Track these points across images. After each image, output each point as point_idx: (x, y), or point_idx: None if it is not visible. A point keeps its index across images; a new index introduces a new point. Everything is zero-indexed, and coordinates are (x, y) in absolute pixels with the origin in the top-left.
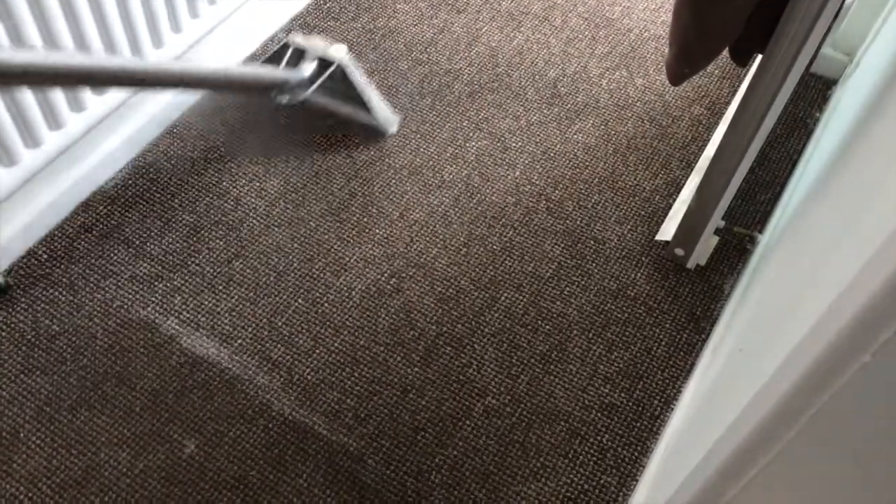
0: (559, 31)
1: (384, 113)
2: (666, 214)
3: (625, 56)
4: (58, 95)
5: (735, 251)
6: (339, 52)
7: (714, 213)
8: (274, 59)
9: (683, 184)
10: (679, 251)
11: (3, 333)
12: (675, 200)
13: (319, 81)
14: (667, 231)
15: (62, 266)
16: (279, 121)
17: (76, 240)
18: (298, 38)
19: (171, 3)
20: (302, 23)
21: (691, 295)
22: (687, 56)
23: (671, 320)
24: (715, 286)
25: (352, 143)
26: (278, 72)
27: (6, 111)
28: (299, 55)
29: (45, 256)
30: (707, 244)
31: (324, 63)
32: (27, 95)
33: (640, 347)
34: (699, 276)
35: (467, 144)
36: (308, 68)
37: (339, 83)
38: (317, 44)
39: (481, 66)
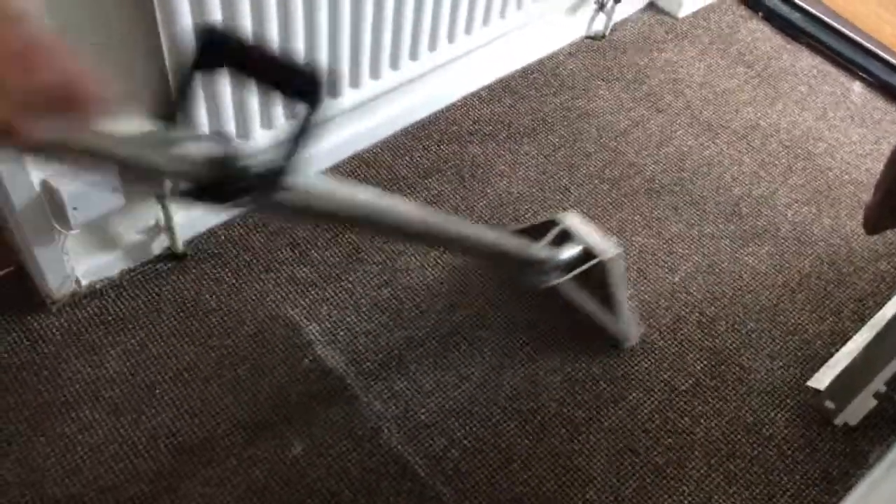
0: (755, 151)
1: (628, 325)
2: (824, 362)
3: (818, 192)
4: (276, 95)
5: (891, 421)
6: (608, 248)
7: (878, 376)
8: (536, 231)
9: (851, 337)
10: (829, 404)
11: (169, 296)
12: (837, 351)
13: (576, 272)
14: (821, 380)
15: (234, 251)
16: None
17: (253, 231)
18: (570, 220)
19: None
20: (505, 86)
21: (831, 453)
22: (891, 207)
23: (802, 473)
24: (859, 451)
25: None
26: (537, 250)
27: (232, 99)
28: (564, 236)
29: (223, 238)
30: (862, 405)
31: (586, 253)
32: (251, 89)
33: (763, 491)
34: (845, 435)
35: (633, 238)
36: (568, 253)
37: (593, 276)
38: (587, 231)
39: (667, 166)
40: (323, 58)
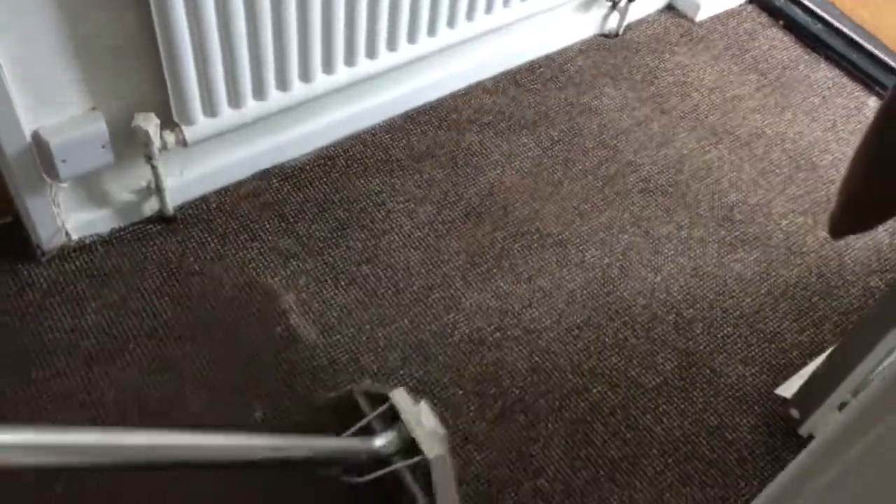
0: (757, 159)
1: None
2: (798, 372)
3: (817, 204)
4: (269, 67)
5: None
6: (433, 447)
7: (842, 385)
8: (371, 398)
9: (828, 349)
10: (795, 413)
11: (154, 255)
12: (811, 362)
13: (393, 468)
14: (789, 388)
15: (223, 218)
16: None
17: (243, 200)
18: (399, 399)
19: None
20: (511, 78)
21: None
22: (856, 209)
23: (761, 479)
24: None
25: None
26: (340, 444)
27: (222, 67)
28: (395, 415)
29: (214, 205)
30: (827, 416)
31: (414, 446)
32: (242, 58)
33: (717, 494)
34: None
35: (620, 236)
36: (383, 440)
37: (423, 473)
38: (415, 418)
39: (664, 167)
40: (316, 36)
